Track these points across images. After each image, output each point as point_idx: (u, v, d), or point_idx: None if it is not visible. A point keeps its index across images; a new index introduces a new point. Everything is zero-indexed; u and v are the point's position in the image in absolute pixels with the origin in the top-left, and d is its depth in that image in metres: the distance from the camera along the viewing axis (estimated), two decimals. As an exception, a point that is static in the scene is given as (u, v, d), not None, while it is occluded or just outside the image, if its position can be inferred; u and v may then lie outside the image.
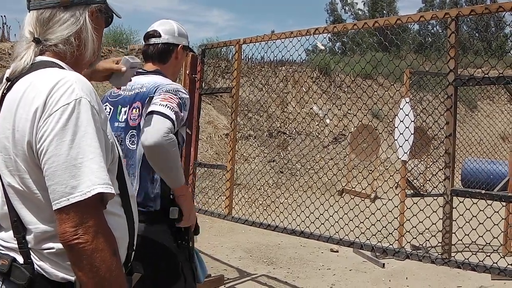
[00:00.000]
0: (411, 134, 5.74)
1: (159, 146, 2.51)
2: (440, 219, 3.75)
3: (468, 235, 3.73)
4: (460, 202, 3.70)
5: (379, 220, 4.23)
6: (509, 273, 3.45)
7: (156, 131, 2.52)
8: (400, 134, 5.36)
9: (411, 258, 3.95)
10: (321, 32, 4.58)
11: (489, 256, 3.60)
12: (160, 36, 3.03)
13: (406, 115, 5.90)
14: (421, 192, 7.28)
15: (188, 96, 2.82)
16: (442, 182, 3.81)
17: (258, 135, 13.53)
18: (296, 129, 14.35)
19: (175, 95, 2.71)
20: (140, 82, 2.87)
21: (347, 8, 39.65)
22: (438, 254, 3.79)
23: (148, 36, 3.07)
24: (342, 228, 4.31)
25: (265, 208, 5.55)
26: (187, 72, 5.68)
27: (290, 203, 4.89)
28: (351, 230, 4.25)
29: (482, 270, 3.61)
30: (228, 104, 13.18)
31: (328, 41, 37.06)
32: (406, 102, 6.73)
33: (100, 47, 1.95)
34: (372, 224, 4.19)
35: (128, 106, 2.86)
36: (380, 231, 4.18)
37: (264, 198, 8.25)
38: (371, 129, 10.28)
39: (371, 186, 10.64)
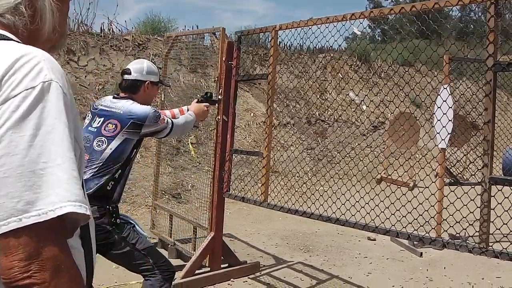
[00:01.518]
0: (449, 120, 5.63)
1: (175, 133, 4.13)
2: (477, 207, 3.67)
3: (506, 224, 3.64)
4: (499, 190, 3.62)
5: (415, 208, 4.15)
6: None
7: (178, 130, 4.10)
8: (438, 120, 5.27)
9: (448, 247, 3.89)
10: (357, 17, 4.51)
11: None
12: (130, 73, 3.95)
13: (444, 101, 5.80)
14: (460, 181, 7.15)
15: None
16: (480, 169, 3.73)
17: (296, 123, 13.47)
18: (334, 116, 14.25)
19: (159, 115, 3.87)
20: (116, 105, 3.83)
21: (387, -5, 39.03)
22: (476, 244, 3.72)
23: (123, 72, 4.01)
24: (378, 216, 4.25)
25: (301, 195, 5.50)
26: (223, 59, 5.67)
27: (326, 190, 4.84)
28: (387, 218, 4.18)
29: (520, 260, 3.53)
30: (266, 91, 13.16)
31: (369, 29, 36.62)
32: (445, 88, 6.61)
33: (66, 24, 1.54)
34: (408, 212, 4.12)
35: (103, 118, 3.79)
36: (416, 219, 4.11)
37: (300, 185, 8.21)
38: (409, 116, 10.15)
39: (408, 174, 10.52)
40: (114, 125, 3.75)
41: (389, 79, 16.00)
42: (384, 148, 12.52)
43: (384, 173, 10.89)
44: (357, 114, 14.31)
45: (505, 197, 3.64)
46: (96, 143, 3.73)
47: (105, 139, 3.72)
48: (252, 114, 12.96)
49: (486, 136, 3.63)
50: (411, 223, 4.14)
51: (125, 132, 3.71)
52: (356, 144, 12.55)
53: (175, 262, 6.04)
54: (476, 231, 3.72)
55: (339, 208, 4.56)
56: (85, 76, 10.94)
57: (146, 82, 3.97)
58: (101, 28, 12.82)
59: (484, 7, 3.86)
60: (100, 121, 3.80)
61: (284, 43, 15.74)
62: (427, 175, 5.19)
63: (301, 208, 4.81)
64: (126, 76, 3.97)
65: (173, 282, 4.11)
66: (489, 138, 3.62)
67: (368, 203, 4.38)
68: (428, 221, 4.26)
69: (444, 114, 4.90)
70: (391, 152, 11.39)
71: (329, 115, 14.28)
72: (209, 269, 5.71)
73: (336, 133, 12.92)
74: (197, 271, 5.58)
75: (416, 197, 4.25)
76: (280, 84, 13.02)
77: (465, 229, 4.01)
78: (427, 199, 4.25)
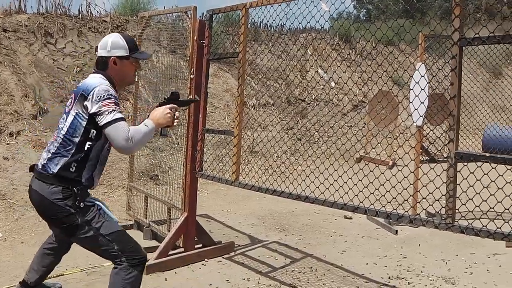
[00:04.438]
0: (426, 96, 5.59)
1: (129, 150, 3.62)
2: (443, 183, 3.65)
3: (472, 199, 3.62)
4: (465, 165, 3.59)
5: (394, 187, 4.12)
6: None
7: (118, 141, 3.44)
8: (416, 96, 5.21)
9: (415, 223, 3.89)
10: (325, -6, 4.47)
11: (508, 222, 3.51)
12: (97, 50, 3.80)
13: (422, 76, 5.77)
14: (437, 158, 7.14)
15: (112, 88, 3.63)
16: (446, 145, 3.71)
17: (276, 103, 13.42)
18: (316, 96, 14.20)
19: (107, 98, 3.49)
20: (84, 80, 3.72)
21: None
22: (442, 219, 3.70)
23: (96, 50, 3.85)
24: (356, 195, 4.22)
25: (279, 175, 5.48)
26: (195, 37, 5.61)
27: (304, 169, 4.81)
28: (366, 197, 4.16)
29: (485, 235, 3.50)
30: (246, 72, 13.09)
31: (353, 9, 36.49)
32: (422, 64, 6.60)
33: None
34: (387, 191, 4.09)
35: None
36: (395, 197, 4.08)
37: (278, 165, 8.19)
38: (390, 96, 10.11)
39: (386, 153, 10.53)
40: (71, 99, 3.64)
41: (372, 59, 15.96)
42: (365, 128, 12.52)
43: (364, 152, 10.89)
44: (336, 93, 14.29)
45: (471, 172, 3.62)
46: (60, 121, 3.66)
47: (64, 115, 3.63)
48: (231, 95, 12.89)
49: (452, 111, 3.61)
50: (389, 202, 4.11)
51: (75, 105, 3.54)
52: (334, 123, 12.51)
53: (151, 243, 6.03)
54: (450, 208, 3.69)
55: (317, 187, 4.54)
56: (63, 59, 10.80)
57: (111, 58, 3.73)
58: (79, 10, 12.65)
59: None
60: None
61: (264, 23, 15.63)
62: (406, 153, 5.18)
63: (279, 188, 4.79)
64: (96, 54, 3.82)
65: (146, 263, 3.98)
66: (455, 113, 3.59)
67: (346, 183, 4.36)
68: (407, 199, 4.24)
69: (422, 89, 4.86)
70: (369, 130, 11.38)
71: (311, 96, 14.23)
72: (182, 249, 5.69)
73: (319, 114, 12.88)
74: (171, 252, 5.55)
75: (394, 175, 4.23)
76: (261, 65, 12.95)
77: (444, 207, 3.97)
78: (406, 177, 4.21)
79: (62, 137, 3.55)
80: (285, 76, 13.77)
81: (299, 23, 5.05)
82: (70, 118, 3.55)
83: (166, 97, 4.03)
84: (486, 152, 11.19)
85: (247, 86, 12.26)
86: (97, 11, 13.39)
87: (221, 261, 5.69)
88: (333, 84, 13.83)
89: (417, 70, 6.55)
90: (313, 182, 4.60)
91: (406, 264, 5.69)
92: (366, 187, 4.23)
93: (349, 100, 14.60)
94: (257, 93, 12.92)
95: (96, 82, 3.56)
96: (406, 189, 4.16)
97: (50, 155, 3.57)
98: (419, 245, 6.33)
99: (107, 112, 3.43)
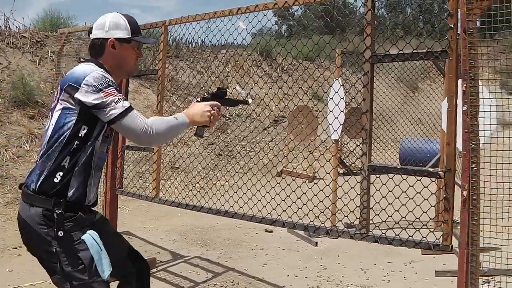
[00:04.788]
0: (341, 111, 5.76)
1: (150, 142, 2.91)
2: (358, 195, 3.78)
3: (384, 210, 3.76)
4: (377, 177, 3.73)
5: (310, 200, 4.24)
6: (437, 247, 3.52)
7: (137, 132, 2.79)
8: (330, 111, 5.38)
9: (331, 234, 4.00)
10: (243, 12, 4.55)
11: (419, 231, 3.65)
12: (91, 32, 3.09)
13: (336, 92, 5.95)
14: (353, 170, 7.35)
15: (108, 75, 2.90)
16: (359, 158, 3.84)
17: (198, 119, 13.42)
18: (237, 111, 14.32)
19: (107, 86, 2.79)
20: (72, 69, 2.95)
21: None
22: (357, 230, 3.83)
23: (88, 32, 3.17)
24: (274, 209, 4.30)
25: (198, 191, 5.51)
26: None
27: (223, 184, 4.86)
28: (283, 210, 4.25)
29: (398, 243, 3.66)
30: (167, 88, 13.06)
31: (274, 24, 37.05)
32: (336, 80, 6.78)
33: None
34: (304, 204, 4.20)
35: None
36: (311, 210, 4.19)
37: (197, 180, 8.22)
38: (308, 110, 10.32)
39: (305, 166, 10.73)
40: (57, 93, 2.91)
41: (291, 73, 16.22)
42: (286, 142, 12.71)
43: (287, 167, 11.05)
44: (253, 109, 14.45)
45: (383, 184, 3.76)
46: (47, 122, 2.96)
47: (50, 113, 2.92)
48: (152, 111, 12.84)
49: (364, 125, 3.74)
50: (307, 214, 4.21)
51: (62, 98, 2.82)
52: (252, 138, 12.64)
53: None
54: (364, 219, 3.83)
55: (236, 202, 4.59)
56: (-20, 75, 10.54)
57: (109, 40, 3.02)
58: (-4, 25, 12.40)
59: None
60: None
61: (185, 38, 15.65)
62: (321, 166, 5.32)
63: (199, 203, 4.82)
64: (90, 36, 3.11)
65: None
66: (367, 127, 3.72)
67: (264, 197, 4.43)
68: (323, 212, 4.36)
69: (336, 105, 5.01)
70: (286, 145, 11.57)
71: (232, 111, 14.32)
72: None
73: (240, 128, 12.97)
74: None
75: (311, 188, 4.34)
76: (181, 81, 12.97)
77: (358, 218, 4.11)
78: (322, 190, 4.33)
79: (47, 141, 2.84)
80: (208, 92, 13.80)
81: (217, 40, 5.14)
82: (56, 115, 2.84)
83: (210, 92, 3.42)
84: (403, 164, 11.59)
85: (167, 102, 12.25)
86: (16, 26, 13.11)
87: (142, 278, 5.64)
88: (250, 100, 13.93)
89: (331, 86, 6.73)
90: (231, 197, 4.66)
91: (326, 274, 5.82)
92: (284, 200, 4.33)
93: (267, 115, 14.79)
94: (178, 109, 12.92)
95: (87, 69, 2.85)
96: (322, 201, 4.28)
97: (34, 166, 2.92)
98: (339, 256, 6.48)
99: (113, 103, 2.76)
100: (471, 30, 3.22)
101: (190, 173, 9.30)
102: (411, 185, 3.65)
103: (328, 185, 4.49)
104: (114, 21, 3.06)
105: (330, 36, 12.36)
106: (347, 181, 4.47)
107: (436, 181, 5.21)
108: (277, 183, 4.76)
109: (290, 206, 4.23)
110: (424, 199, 3.58)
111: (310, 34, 17.52)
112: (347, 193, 4.04)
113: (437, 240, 3.50)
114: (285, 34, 36.07)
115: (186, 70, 13.25)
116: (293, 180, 5.21)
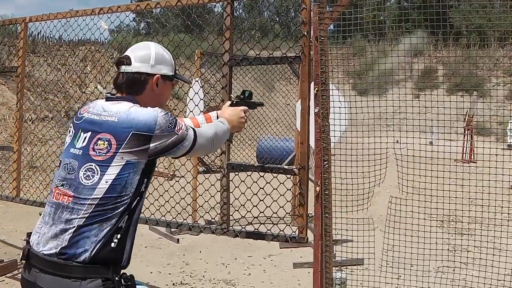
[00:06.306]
0: (201, 112, 5.92)
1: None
2: (218, 191, 3.97)
3: (244, 205, 3.97)
4: (236, 175, 3.95)
5: (172, 197, 4.36)
6: (293, 240, 3.78)
7: (207, 151, 2.80)
8: (190, 112, 5.50)
9: (193, 230, 4.18)
10: (105, 12, 4.61)
11: (276, 225, 3.88)
12: (130, 63, 2.54)
13: (196, 93, 6.10)
14: (212, 168, 7.55)
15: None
16: (219, 156, 4.04)
17: (56, 117, 13.11)
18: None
19: (171, 123, 2.37)
20: (110, 111, 2.43)
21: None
22: (218, 225, 4.02)
23: (119, 62, 2.57)
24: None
25: (58, 190, 5.45)
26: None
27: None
28: (146, 208, 4.33)
29: (257, 237, 3.91)
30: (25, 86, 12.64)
31: (132, 21, 36.69)
32: (196, 81, 6.93)
33: None
34: (166, 201, 4.32)
35: (90, 133, 2.41)
36: (173, 207, 4.33)
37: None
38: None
39: (168, 165, 10.80)
40: (107, 142, 2.33)
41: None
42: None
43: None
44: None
45: (242, 181, 3.99)
46: (84, 174, 2.33)
47: (97, 167, 2.32)
48: (8, 108, 12.38)
49: (224, 125, 3.93)
50: (169, 211, 4.34)
51: (124, 151, 2.30)
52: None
53: None
54: (224, 214, 4.02)
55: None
56: None
57: (155, 76, 2.55)
58: None
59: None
60: (85, 137, 2.41)
61: (42, 34, 15.21)
62: (182, 164, 5.44)
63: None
64: (124, 68, 2.53)
65: None
66: (227, 127, 3.91)
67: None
68: (185, 208, 4.49)
69: (196, 105, 5.16)
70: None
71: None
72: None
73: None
74: None
75: (172, 186, 4.47)
76: (37, 77, 12.58)
77: (219, 214, 4.30)
78: (183, 187, 4.48)
79: (98, 201, 2.28)
80: (64, 90, 13.50)
81: (75, 35, 5.11)
82: (115, 170, 2.29)
83: (241, 96, 3.13)
84: (260, 162, 11.97)
85: (25, 100, 11.86)
86: None
87: (4, 280, 5.52)
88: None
89: (191, 87, 6.86)
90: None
91: (189, 270, 5.98)
92: (146, 198, 4.43)
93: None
94: (36, 107, 12.54)
95: (150, 112, 2.37)
96: (183, 198, 4.43)
97: (71, 231, 2.26)
98: (200, 252, 6.65)
99: (186, 132, 2.45)
100: (322, 38, 3.50)
101: (51, 172, 9.08)
102: (268, 182, 3.90)
103: (189, 182, 4.66)
104: (159, 54, 2.62)
105: (190, 37, 12.49)
106: (207, 178, 4.67)
107: (291, 178, 5.50)
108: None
109: (152, 204, 4.33)
110: (281, 195, 3.84)
111: (168, 32, 17.56)
112: (207, 190, 4.24)
113: (294, 233, 3.78)
114: (143, 31, 35.83)
115: (43, 65, 12.86)
116: (154, 178, 5.32)
